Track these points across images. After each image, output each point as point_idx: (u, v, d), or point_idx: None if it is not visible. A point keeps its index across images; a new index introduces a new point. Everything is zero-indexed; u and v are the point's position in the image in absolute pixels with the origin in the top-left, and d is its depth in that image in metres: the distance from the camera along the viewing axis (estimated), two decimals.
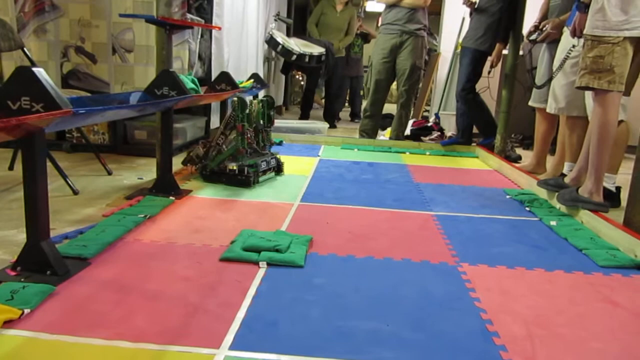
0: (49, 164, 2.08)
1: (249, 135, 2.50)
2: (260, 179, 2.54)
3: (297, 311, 1.22)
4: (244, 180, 2.45)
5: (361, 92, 6.56)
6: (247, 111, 2.51)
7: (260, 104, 2.63)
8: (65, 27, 3.00)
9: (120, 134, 3.09)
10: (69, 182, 2.16)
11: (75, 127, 2.87)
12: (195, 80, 2.59)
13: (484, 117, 3.79)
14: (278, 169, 2.74)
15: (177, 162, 2.74)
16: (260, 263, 1.47)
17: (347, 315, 1.21)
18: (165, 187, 2.18)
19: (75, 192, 2.14)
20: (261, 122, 2.64)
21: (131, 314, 1.16)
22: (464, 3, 3.79)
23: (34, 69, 1.17)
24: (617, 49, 1.95)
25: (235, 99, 2.52)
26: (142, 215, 1.83)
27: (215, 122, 3.62)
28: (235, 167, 2.45)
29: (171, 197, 2.12)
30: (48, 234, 1.34)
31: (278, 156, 2.76)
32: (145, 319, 1.14)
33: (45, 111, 1.16)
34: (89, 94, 2.77)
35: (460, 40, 5.53)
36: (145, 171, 2.64)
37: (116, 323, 1.11)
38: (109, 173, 2.54)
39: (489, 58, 3.61)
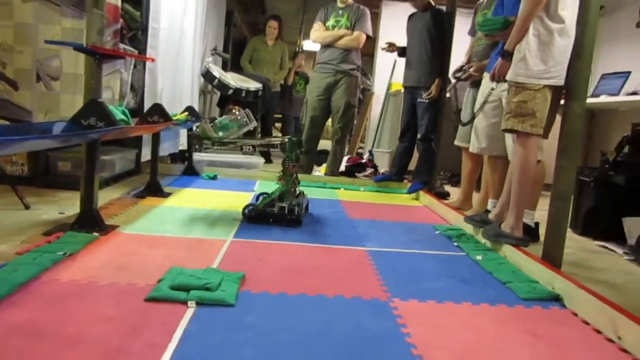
0: None
1: (294, 175, 2.55)
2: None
3: (227, 352, 1.18)
4: (294, 219, 2.45)
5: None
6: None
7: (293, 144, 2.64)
8: None
9: (42, 165, 2.91)
10: None
11: None
12: (126, 111, 2.51)
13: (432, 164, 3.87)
14: (306, 207, 2.80)
15: (103, 196, 2.62)
16: (189, 302, 1.42)
17: (279, 355, 1.18)
18: (89, 222, 2.06)
19: None
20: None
21: None
22: (383, 49, 3.98)
23: None
24: (538, 95, 2.11)
25: (286, 139, 2.54)
26: (62, 253, 1.72)
27: (146, 154, 3.51)
28: (285, 207, 2.45)
29: (95, 233, 2.01)
30: None
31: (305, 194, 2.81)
32: None
33: None
34: (7, 123, 2.61)
35: (394, 81, 5.79)
36: (68, 205, 2.49)
37: None
38: (27, 207, 2.37)
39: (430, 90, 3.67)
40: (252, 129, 2.77)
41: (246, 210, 2.49)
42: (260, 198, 2.59)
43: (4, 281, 1.41)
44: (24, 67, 2.88)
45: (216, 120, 2.70)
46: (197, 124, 2.75)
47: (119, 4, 3.04)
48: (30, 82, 2.89)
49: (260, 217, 2.47)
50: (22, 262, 1.60)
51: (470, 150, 2.94)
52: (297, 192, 2.66)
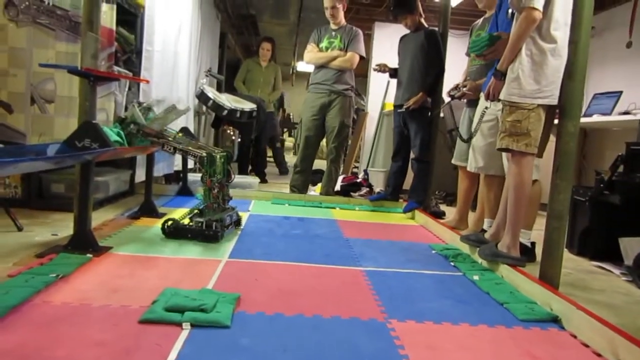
0: None
1: (215, 190, 2.52)
2: (225, 233, 2.52)
3: None
4: (211, 235, 2.42)
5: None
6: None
7: (222, 159, 2.61)
8: None
9: (35, 187, 2.89)
10: None
11: None
12: (121, 132, 2.51)
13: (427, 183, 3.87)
14: (237, 222, 2.77)
15: (97, 217, 2.60)
16: (184, 324, 1.39)
17: None
18: (82, 243, 2.04)
19: None
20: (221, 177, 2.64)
21: None
22: (375, 69, 4.02)
23: None
24: (532, 114, 2.13)
25: (204, 154, 2.51)
26: (54, 275, 1.69)
27: (140, 175, 3.50)
28: (202, 222, 2.42)
29: (88, 255, 1.98)
30: None
31: (237, 210, 2.78)
32: None
33: None
34: (1, 145, 2.60)
35: (388, 101, 5.84)
36: (61, 227, 2.46)
37: None
38: (19, 229, 2.35)
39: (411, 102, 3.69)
40: (183, 112, 2.75)
41: (165, 226, 2.47)
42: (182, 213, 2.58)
43: None
44: (18, 90, 2.88)
45: (144, 104, 2.69)
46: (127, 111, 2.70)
47: (114, 27, 3.07)
48: (25, 105, 2.89)
49: (179, 231, 2.45)
50: (14, 284, 1.57)
51: (468, 169, 2.95)
52: (225, 207, 2.64)
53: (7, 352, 1.18)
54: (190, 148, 2.62)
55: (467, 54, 3.39)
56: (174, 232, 2.44)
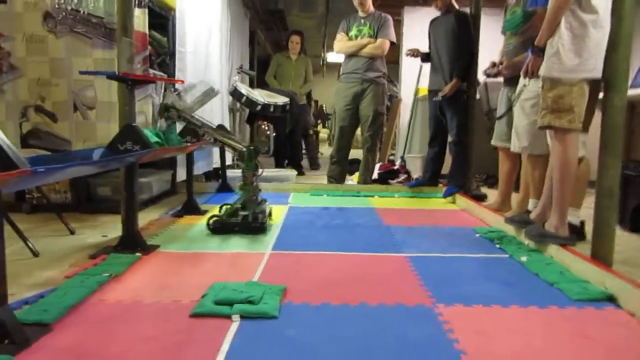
0: (7, 226, 1.99)
1: (254, 184, 2.57)
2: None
3: None
4: (258, 227, 2.48)
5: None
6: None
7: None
8: (23, 87, 2.96)
9: (83, 192, 3.00)
10: (29, 244, 2.06)
11: (35, 187, 2.78)
12: (160, 133, 2.57)
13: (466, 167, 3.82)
14: (269, 214, 2.82)
15: (143, 217, 2.68)
16: (233, 316, 1.42)
17: None
18: (131, 243, 2.11)
19: (35, 254, 2.04)
20: None
21: None
22: (407, 54, 3.96)
23: None
24: (575, 89, 2.05)
25: (244, 148, 2.56)
26: (107, 275, 1.76)
27: (181, 174, 3.58)
28: (248, 215, 2.48)
29: (137, 254, 2.05)
30: (6, 300, 1.26)
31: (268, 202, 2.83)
32: None
33: (1, 171, 1.12)
34: (49, 153, 2.71)
35: (421, 86, 5.75)
36: (110, 228, 2.55)
37: None
38: (72, 232, 2.45)
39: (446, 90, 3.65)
40: (216, 94, 2.81)
41: (210, 222, 2.50)
42: (224, 208, 2.62)
43: (55, 305, 1.45)
44: (61, 99, 2.99)
45: (181, 90, 2.71)
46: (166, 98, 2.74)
47: (147, 31, 3.13)
48: (68, 113, 3.00)
49: (225, 227, 2.48)
50: (72, 285, 1.64)
51: (512, 150, 2.87)
52: (259, 199, 2.66)
53: (67, 350, 1.24)
54: (229, 140, 2.66)
55: (503, 33, 3.30)
56: (220, 227, 2.49)
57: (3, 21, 2.92)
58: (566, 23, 2.03)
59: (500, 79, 3.17)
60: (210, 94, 2.77)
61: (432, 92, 3.81)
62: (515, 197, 3.11)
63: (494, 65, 3.10)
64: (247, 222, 2.48)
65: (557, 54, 2.06)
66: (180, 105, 2.58)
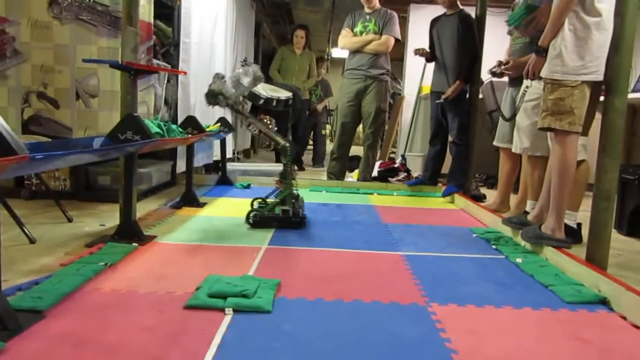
0: (4, 212, 2.00)
1: (294, 179, 2.58)
2: None
3: None
4: (299, 222, 2.50)
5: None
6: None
7: None
8: (27, 72, 2.96)
9: (82, 180, 3.01)
10: (26, 230, 2.07)
11: (34, 174, 2.78)
12: (161, 124, 2.57)
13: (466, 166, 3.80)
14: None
15: (141, 208, 2.68)
16: (227, 309, 1.43)
17: None
18: (128, 233, 2.12)
19: (32, 241, 2.05)
20: None
21: None
22: (415, 54, 3.94)
23: None
24: (576, 92, 2.04)
25: (287, 144, 2.56)
26: (103, 264, 1.76)
27: (181, 166, 3.58)
28: (289, 211, 2.50)
29: (134, 244, 2.05)
30: None
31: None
32: None
33: (0, 157, 1.12)
34: (49, 140, 2.71)
35: (425, 84, 5.73)
36: (108, 217, 2.56)
37: None
38: (69, 220, 2.45)
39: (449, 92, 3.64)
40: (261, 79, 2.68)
41: (250, 216, 2.51)
42: (256, 203, 2.61)
43: (50, 292, 1.46)
44: (64, 86, 2.99)
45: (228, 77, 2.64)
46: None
47: (152, 21, 3.13)
48: (70, 100, 3.00)
49: (265, 221, 2.49)
50: (67, 273, 1.65)
51: (513, 150, 2.87)
52: (296, 194, 2.66)
53: (61, 337, 1.24)
54: (273, 134, 2.62)
55: (509, 33, 3.28)
56: (259, 222, 2.50)
57: (8, 6, 2.91)
58: (570, 25, 2.03)
59: (506, 79, 3.16)
60: (255, 81, 2.65)
61: (435, 93, 3.81)
62: (514, 199, 3.12)
63: (500, 64, 3.09)
64: (288, 217, 2.50)
65: (559, 56, 2.05)
66: (228, 92, 2.52)
